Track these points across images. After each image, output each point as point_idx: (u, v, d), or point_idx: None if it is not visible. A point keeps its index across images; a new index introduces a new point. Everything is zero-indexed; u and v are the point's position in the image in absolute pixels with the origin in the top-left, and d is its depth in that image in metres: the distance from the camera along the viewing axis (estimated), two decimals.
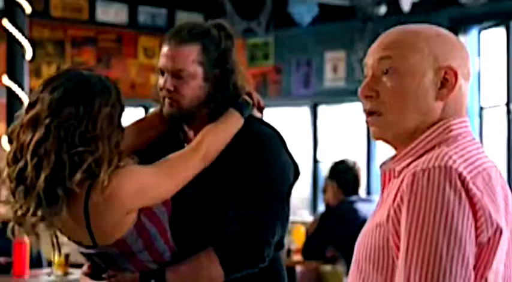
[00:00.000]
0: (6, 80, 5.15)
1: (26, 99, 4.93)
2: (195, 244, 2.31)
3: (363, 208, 5.19)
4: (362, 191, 5.46)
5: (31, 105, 2.19)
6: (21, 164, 2.16)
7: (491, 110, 7.64)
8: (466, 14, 7.56)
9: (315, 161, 9.03)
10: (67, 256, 4.27)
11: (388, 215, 1.56)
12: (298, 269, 6.03)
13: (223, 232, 2.31)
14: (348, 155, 6.81)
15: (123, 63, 9.18)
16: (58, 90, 2.15)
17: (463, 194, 1.50)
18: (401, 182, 1.56)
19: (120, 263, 2.27)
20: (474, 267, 1.51)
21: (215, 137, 2.32)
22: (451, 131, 1.63)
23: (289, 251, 5.95)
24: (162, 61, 2.38)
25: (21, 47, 5.15)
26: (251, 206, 2.31)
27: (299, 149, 9.05)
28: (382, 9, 7.95)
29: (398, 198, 1.55)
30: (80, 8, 8.91)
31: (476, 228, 1.50)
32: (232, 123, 2.36)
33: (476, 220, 1.50)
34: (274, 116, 9.09)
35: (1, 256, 4.47)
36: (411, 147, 1.64)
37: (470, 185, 1.51)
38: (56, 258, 4.39)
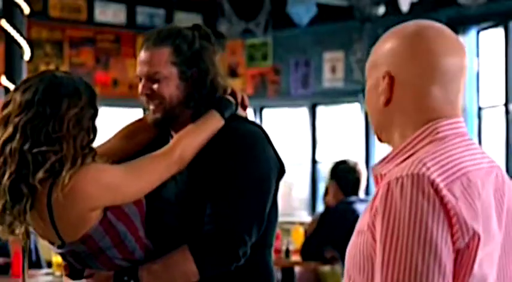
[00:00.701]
0: (4, 81, 5.15)
1: None
2: (178, 244, 2.31)
3: (362, 208, 5.18)
4: (361, 192, 5.45)
5: (5, 105, 2.25)
6: None
7: (489, 110, 7.65)
8: (464, 14, 7.56)
9: (314, 162, 9.02)
10: None
11: (367, 224, 1.56)
12: (297, 269, 6.02)
13: (200, 230, 2.31)
14: (346, 155, 6.81)
15: (121, 64, 9.18)
16: (29, 91, 2.21)
17: (437, 202, 1.48)
18: (379, 189, 1.55)
19: (88, 260, 2.29)
20: (454, 274, 1.49)
21: (191, 139, 2.33)
22: (437, 133, 1.60)
23: (287, 252, 5.95)
24: (138, 67, 2.41)
25: (20, 47, 5.15)
26: (229, 204, 2.31)
27: (298, 149, 9.05)
28: (381, 10, 7.95)
29: (374, 208, 1.54)
30: (78, 8, 8.91)
31: (452, 235, 1.48)
32: (210, 125, 2.36)
33: (451, 227, 1.48)
34: (273, 116, 9.13)
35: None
36: (398, 150, 1.62)
37: (444, 192, 1.49)
38: (54, 259, 4.40)
